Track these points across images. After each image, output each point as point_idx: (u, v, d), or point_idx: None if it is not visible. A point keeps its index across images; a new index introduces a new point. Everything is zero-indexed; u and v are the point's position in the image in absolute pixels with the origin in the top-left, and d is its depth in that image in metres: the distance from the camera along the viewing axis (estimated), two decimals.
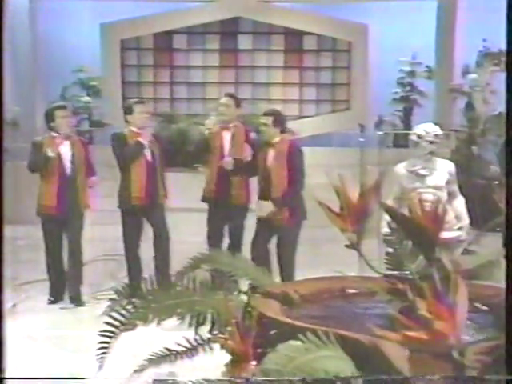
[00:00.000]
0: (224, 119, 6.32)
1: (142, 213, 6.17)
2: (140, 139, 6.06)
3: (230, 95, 6.57)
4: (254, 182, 6.24)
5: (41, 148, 6.06)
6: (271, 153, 5.96)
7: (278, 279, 5.50)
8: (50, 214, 6.12)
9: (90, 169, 6.35)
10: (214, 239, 6.25)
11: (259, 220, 5.99)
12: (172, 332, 3.07)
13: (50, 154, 6.01)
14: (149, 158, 6.14)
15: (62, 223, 6.16)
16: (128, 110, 6.23)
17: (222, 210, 6.29)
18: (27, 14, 11.64)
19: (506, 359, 2.18)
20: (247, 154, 6.12)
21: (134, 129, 6.11)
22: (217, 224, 6.33)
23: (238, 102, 6.42)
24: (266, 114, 6.06)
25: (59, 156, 6.10)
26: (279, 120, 6.02)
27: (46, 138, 6.15)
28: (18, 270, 6.75)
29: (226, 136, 6.28)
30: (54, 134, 6.13)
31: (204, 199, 6.40)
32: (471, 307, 2.47)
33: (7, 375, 2.36)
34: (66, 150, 6.15)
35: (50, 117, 6.22)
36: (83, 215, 6.26)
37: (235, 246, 6.12)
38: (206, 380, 2.35)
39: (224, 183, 6.21)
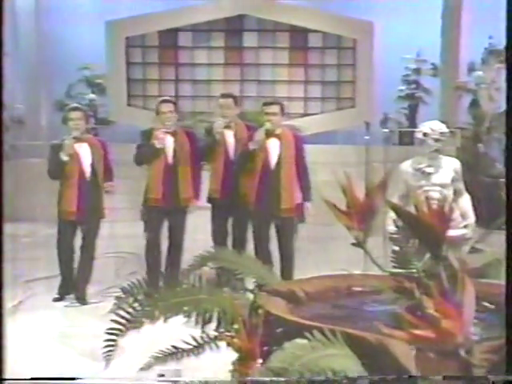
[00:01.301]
0: (226, 121, 6.23)
1: (161, 213, 6.12)
2: (155, 141, 5.99)
3: (228, 95, 6.50)
4: None
5: (57, 152, 5.98)
6: (275, 144, 5.93)
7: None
8: (69, 220, 6.07)
9: (109, 172, 6.25)
10: (219, 238, 6.23)
11: (253, 215, 5.98)
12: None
13: (64, 158, 5.96)
14: (168, 159, 6.06)
15: (78, 227, 6.13)
16: (156, 110, 6.22)
17: (227, 209, 6.27)
18: (32, 12, 11.66)
19: (506, 359, 2.18)
20: (254, 142, 6.03)
21: (161, 127, 6.05)
22: (222, 223, 6.30)
23: (236, 101, 6.38)
24: (271, 104, 6.05)
25: (77, 159, 6.03)
26: (283, 109, 6.05)
27: (63, 141, 6.03)
28: (23, 267, 6.78)
29: (229, 135, 6.25)
30: (68, 136, 6.04)
31: (209, 199, 6.35)
32: (478, 306, 2.46)
33: (8, 374, 2.36)
34: (85, 152, 6.06)
35: (63, 119, 6.20)
36: (101, 219, 6.21)
37: (241, 245, 6.11)
38: (213, 380, 2.35)
39: (230, 182, 6.17)
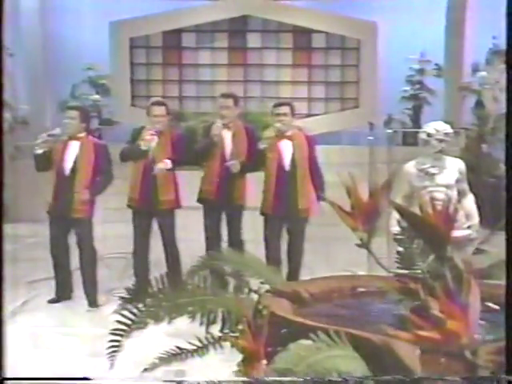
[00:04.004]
0: (226, 121, 6.12)
1: (144, 214, 6.08)
2: (141, 142, 5.92)
3: (228, 95, 6.38)
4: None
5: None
6: (287, 145, 5.90)
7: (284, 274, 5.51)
8: (50, 213, 6.06)
9: (97, 169, 6.05)
10: (212, 240, 6.10)
11: (269, 216, 5.94)
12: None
13: (38, 151, 5.95)
14: (149, 160, 5.97)
15: (64, 223, 6.05)
16: (147, 111, 6.18)
17: (220, 211, 6.18)
18: (37, 13, 11.68)
19: (506, 359, 2.18)
20: (250, 152, 6.04)
21: (151, 128, 5.99)
22: (215, 224, 6.20)
23: (236, 101, 6.26)
24: (281, 104, 6.01)
25: (62, 156, 5.96)
26: (294, 110, 6.02)
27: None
28: (28, 267, 6.79)
29: (227, 135, 6.15)
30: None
31: (200, 200, 6.22)
32: (483, 306, 2.46)
33: (9, 373, 2.36)
34: (72, 150, 6.00)
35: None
36: (86, 218, 6.05)
37: (238, 246, 6.03)
38: (218, 380, 2.35)
39: (225, 184, 6.07)
